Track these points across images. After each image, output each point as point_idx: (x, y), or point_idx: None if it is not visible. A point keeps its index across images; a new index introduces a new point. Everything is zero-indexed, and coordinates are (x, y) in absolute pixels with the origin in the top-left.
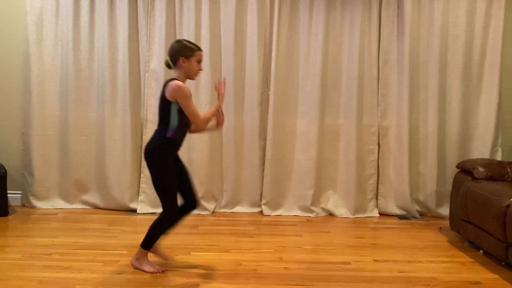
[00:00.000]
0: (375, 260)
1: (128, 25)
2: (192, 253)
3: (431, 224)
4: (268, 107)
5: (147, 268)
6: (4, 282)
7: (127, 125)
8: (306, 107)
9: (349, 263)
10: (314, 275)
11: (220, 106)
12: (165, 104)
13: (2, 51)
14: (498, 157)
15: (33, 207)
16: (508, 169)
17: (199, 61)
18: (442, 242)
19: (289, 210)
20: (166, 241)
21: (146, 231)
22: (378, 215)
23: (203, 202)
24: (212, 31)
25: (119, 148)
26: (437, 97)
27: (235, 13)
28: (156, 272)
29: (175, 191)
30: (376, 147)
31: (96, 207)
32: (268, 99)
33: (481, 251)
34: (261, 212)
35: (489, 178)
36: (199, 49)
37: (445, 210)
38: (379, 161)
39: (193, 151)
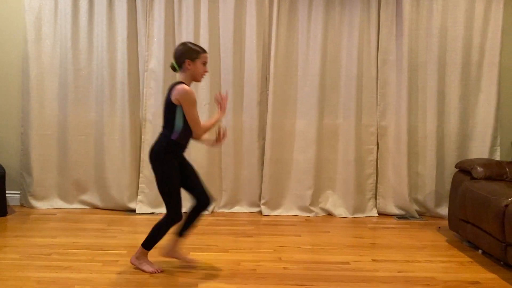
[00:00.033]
0: (374, 260)
1: (127, 25)
2: (191, 253)
3: (430, 224)
4: (267, 107)
5: (146, 267)
6: (3, 282)
7: (126, 125)
8: (305, 107)
9: (348, 263)
10: (313, 275)
11: (219, 119)
12: (170, 107)
13: (1, 50)
14: (497, 157)
15: (32, 207)
16: (507, 169)
17: (205, 63)
18: (441, 242)
19: (288, 210)
20: (166, 241)
21: (148, 231)
22: (377, 215)
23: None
24: (211, 31)
25: (118, 148)
26: (436, 97)
27: (234, 12)
28: (155, 272)
29: (180, 194)
30: (375, 147)
31: (95, 207)
32: (267, 98)
33: (480, 251)
34: (260, 212)
35: (487, 178)
36: (204, 51)
37: (444, 210)
38: (378, 161)
39: (192, 151)
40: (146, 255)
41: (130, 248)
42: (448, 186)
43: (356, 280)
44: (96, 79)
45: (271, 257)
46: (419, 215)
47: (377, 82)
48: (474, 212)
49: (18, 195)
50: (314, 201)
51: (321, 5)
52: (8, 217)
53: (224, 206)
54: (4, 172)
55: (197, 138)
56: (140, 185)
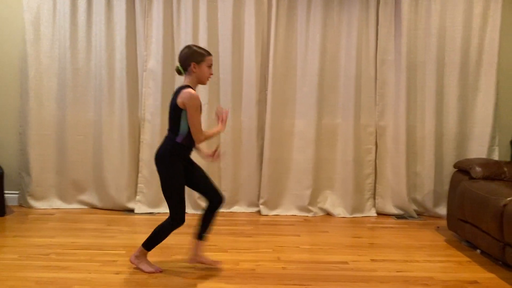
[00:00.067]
0: (372, 260)
1: (126, 25)
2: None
3: (428, 224)
4: (266, 107)
5: (145, 267)
6: (2, 283)
7: (125, 125)
8: (304, 107)
9: (346, 262)
10: (312, 275)
11: (220, 131)
12: (176, 111)
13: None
14: (495, 156)
15: (30, 207)
16: (505, 169)
17: (210, 66)
18: (440, 241)
19: (287, 210)
20: (165, 241)
21: (147, 231)
22: (375, 214)
23: (201, 202)
24: (209, 31)
25: (117, 148)
26: (434, 97)
27: (232, 12)
28: (154, 272)
29: (184, 197)
30: (374, 147)
31: (93, 207)
32: (266, 98)
33: (478, 251)
34: (259, 212)
35: (486, 178)
36: (209, 54)
37: (442, 210)
38: (377, 160)
39: None
40: (145, 255)
41: (129, 248)
42: (446, 186)
43: (355, 280)
44: (95, 79)
45: (270, 257)
46: (417, 215)
47: (375, 82)
48: (472, 211)
49: (17, 195)
50: (313, 201)
51: (319, 5)
52: (7, 217)
53: (223, 206)
54: (3, 172)
55: (196, 143)
56: (139, 185)
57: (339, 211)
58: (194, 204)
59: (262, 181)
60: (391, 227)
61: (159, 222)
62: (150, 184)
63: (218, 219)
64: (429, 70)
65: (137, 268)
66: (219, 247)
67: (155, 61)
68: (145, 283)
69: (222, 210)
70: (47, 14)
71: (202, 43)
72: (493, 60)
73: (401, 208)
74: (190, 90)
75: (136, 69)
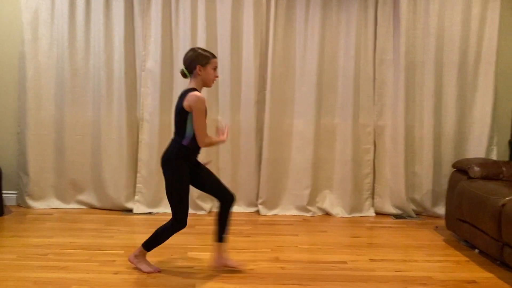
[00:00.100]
0: (371, 260)
1: (124, 25)
2: (189, 253)
3: (427, 223)
4: (264, 107)
5: (143, 267)
6: (0, 283)
7: (123, 125)
8: (303, 107)
9: (345, 262)
10: (310, 275)
11: (221, 142)
12: (182, 114)
13: None
14: (493, 156)
15: (28, 207)
16: (503, 169)
17: (215, 68)
18: (438, 241)
19: (286, 210)
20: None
21: (145, 231)
22: (374, 214)
23: (199, 202)
24: (208, 31)
25: (115, 148)
26: (432, 96)
27: (231, 12)
28: (153, 272)
29: (187, 201)
30: (372, 147)
31: (92, 207)
32: (264, 98)
33: (477, 250)
34: (257, 212)
35: (484, 178)
36: (214, 56)
37: (441, 209)
38: (375, 160)
39: None
40: (145, 255)
41: (127, 248)
42: (445, 185)
43: (354, 280)
44: (93, 78)
45: (268, 257)
46: (416, 214)
47: (374, 82)
48: (471, 211)
49: (15, 195)
50: (312, 200)
51: (318, 4)
52: (5, 217)
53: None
54: (1, 172)
55: (201, 146)
56: (137, 185)
57: (338, 210)
58: (193, 204)
59: (261, 181)
60: (390, 227)
61: (158, 222)
62: (149, 184)
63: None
64: (428, 70)
65: (136, 267)
66: None
67: (154, 61)
68: (143, 283)
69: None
70: (45, 14)
71: (201, 43)
72: (491, 60)
73: (399, 208)
74: (196, 93)
75: (135, 69)
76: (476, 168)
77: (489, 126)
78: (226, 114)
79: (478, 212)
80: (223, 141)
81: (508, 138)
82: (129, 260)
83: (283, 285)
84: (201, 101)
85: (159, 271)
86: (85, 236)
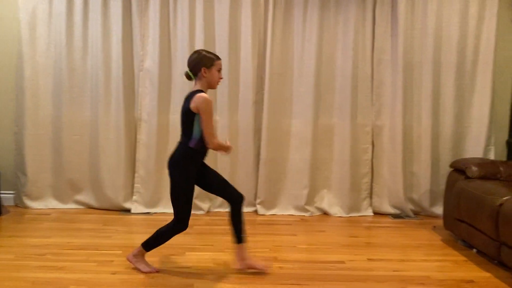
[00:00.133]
0: (369, 259)
1: (122, 24)
2: (187, 253)
3: (425, 223)
4: (262, 107)
5: (142, 267)
6: None
7: (121, 125)
8: (301, 107)
9: (343, 262)
10: (308, 274)
11: (226, 150)
12: (189, 116)
13: None
14: (491, 156)
15: (26, 207)
16: (501, 168)
17: (219, 70)
18: (436, 241)
19: (284, 210)
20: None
21: (143, 231)
22: (372, 214)
23: (198, 202)
24: (206, 31)
25: (113, 148)
26: (430, 96)
27: (229, 12)
28: (151, 272)
29: (191, 204)
30: (370, 146)
31: (90, 207)
32: (262, 99)
33: (474, 250)
34: (255, 212)
35: (482, 177)
36: (218, 58)
37: (438, 209)
38: (373, 160)
39: None
40: (144, 255)
41: (125, 248)
42: (443, 185)
43: (352, 279)
44: (91, 78)
45: (267, 257)
46: (414, 214)
47: (372, 82)
48: (468, 211)
49: (13, 195)
50: (310, 200)
51: (316, 5)
52: (3, 217)
53: (220, 205)
54: None
55: (209, 147)
56: (135, 185)
57: (336, 210)
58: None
59: (259, 181)
60: (388, 227)
61: (156, 222)
62: (147, 184)
63: (216, 219)
64: (426, 69)
65: (134, 267)
66: (216, 247)
67: (152, 61)
68: (141, 283)
69: (218, 209)
70: (43, 14)
71: (199, 43)
72: (489, 60)
73: (397, 208)
74: (203, 94)
75: (133, 69)
76: (474, 168)
77: (486, 126)
78: (224, 115)
79: (476, 211)
80: (229, 148)
81: (506, 138)
82: (128, 259)
83: (282, 284)
84: (208, 102)
85: (157, 271)
86: (83, 236)
